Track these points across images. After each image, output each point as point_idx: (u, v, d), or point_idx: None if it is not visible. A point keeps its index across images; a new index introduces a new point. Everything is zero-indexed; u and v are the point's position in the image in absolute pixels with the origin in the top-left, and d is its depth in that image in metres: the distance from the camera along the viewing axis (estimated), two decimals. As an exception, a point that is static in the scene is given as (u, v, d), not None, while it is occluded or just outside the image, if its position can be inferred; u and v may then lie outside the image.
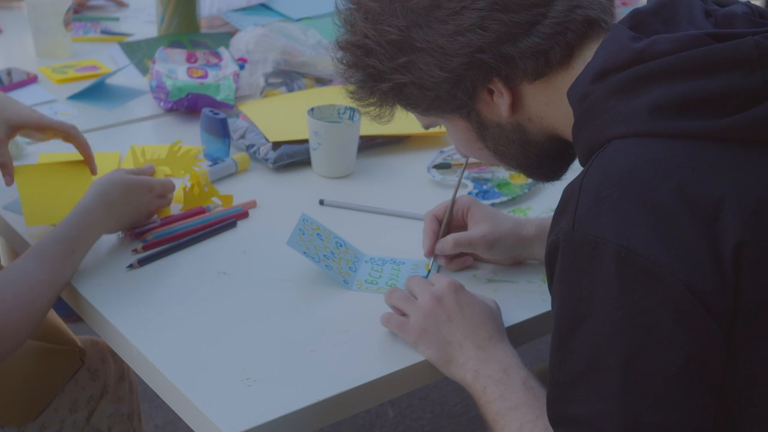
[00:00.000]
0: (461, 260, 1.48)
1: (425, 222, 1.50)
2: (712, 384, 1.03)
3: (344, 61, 1.25)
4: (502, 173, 1.76)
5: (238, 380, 1.24)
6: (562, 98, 1.17)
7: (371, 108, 1.29)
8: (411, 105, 1.25)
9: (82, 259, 1.42)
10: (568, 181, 1.12)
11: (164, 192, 1.56)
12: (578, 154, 1.19)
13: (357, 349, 1.31)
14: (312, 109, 1.74)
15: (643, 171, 1.04)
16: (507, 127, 1.24)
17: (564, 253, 1.06)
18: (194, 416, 1.22)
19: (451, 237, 1.46)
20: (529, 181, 1.74)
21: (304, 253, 1.43)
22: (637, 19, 1.14)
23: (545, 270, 1.13)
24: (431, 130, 1.86)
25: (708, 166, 1.04)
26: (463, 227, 1.49)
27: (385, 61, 1.21)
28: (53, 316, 1.66)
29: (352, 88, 1.27)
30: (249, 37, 2.04)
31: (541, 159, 1.27)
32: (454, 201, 1.49)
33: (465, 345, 1.27)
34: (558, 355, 1.08)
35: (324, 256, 1.46)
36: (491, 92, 1.20)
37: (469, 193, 1.70)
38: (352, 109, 1.75)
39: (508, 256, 1.48)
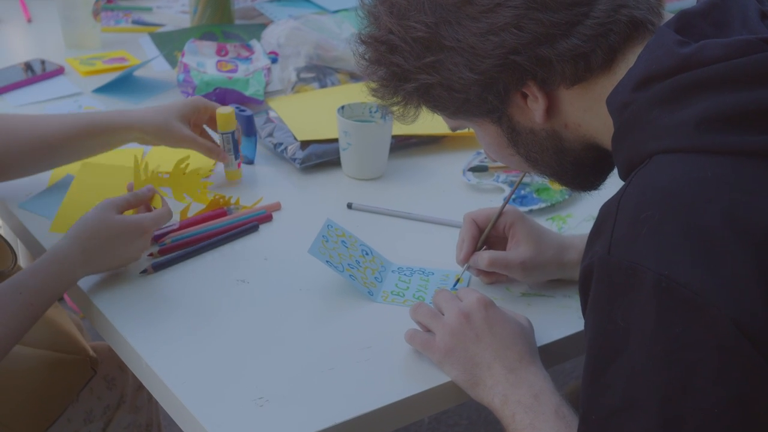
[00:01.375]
0: (495, 274, 1.39)
1: (464, 225, 1.40)
2: (758, 428, 0.93)
3: (366, 57, 1.17)
4: (540, 177, 1.66)
5: (250, 399, 1.16)
6: (602, 105, 1.08)
7: (395, 108, 1.20)
8: (438, 107, 1.16)
9: (46, 309, 1.29)
10: (608, 193, 1.03)
11: (158, 227, 1.41)
12: (618, 168, 1.09)
13: (379, 367, 1.23)
14: (342, 107, 1.66)
15: (688, 191, 0.94)
16: (541, 134, 1.14)
17: (599, 279, 0.97)
18: (202, 437, 1.14)
19: (488, 255, 1.36)
20: (570, 186, 1.64)
21: (327, 262, 1.35)
22: (684, 21, 1.04)
23: (579, 296, 1.04)
24: (468, 131, 1.78)
25: (760, 187, 0.94)
26: (503, 240, 1.39)
27: (411, 60, 1.12)
28: (65, 322, 1.59)
29: (374, 85, 1.19)
30: (281, 30, 1.96)
31: (578, 168, 1.18)
32: (501, 213, 1.39)
33: (494, 367, 1.18)
34: (590, 390, 0.99)
35: (348, 265, 1.37)
36: (525, 96, 1.11)
37: (504, 197, 1.60)
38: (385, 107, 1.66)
39: (546, 279, 1.39)
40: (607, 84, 1.07)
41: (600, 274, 0.97)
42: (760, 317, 0.90)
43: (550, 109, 1.11)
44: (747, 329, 0.90)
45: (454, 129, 1.25)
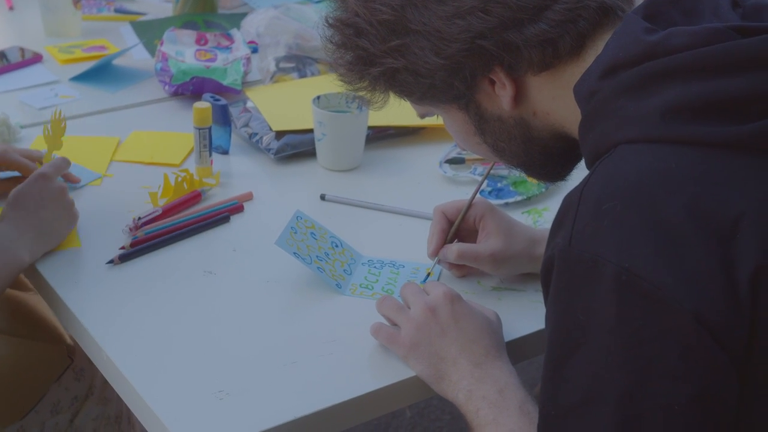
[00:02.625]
0: (466, 267, 1.37)
1: (434, 218, 1.38)
2: (721, 424, 0.91)
3: (333, 41, 1.14)
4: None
5: (210, 393, 1.14)
6: (570, 93, 1.06)
7: (362, 93, 1.17)
8: (404, 92, 1.14)
9: None
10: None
11: (60, 172, 1.43)
12: (584, 158, 1.07)
13: (343, 361, 1.21)
14: (318, 98, 1.64)
15: (651, 182, 0.92)
16: (509, 122, 1.12)
17: (559, 271, 0.95)
18: (159, 430, 1.12)
19: (457, 247, 1.33)
20: (548, 179, 1.62)
21: (295, 254, 1.33)
22: (653, 9, 1.02)
23: (542, 288, 1.02)
24: (442, 122, 1.76)
25: (725, 178, 0.92)
26: (473, 233, 1.37)
27: (377, 44, 1.09)
28: (42, 308, 1.57)
29: (341, 70, 1.16)
30: (260, 19, 1.94)
31: (546, 158, 1.16)
32: (470, 204, 1.37)
33: (459, 361, 1.16)
34: (549, 385, 0.96)
35: (317, 257, 1.35)
36: (492, 82, 1.09)
37: (482, 192, 1.58)
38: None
39: (516, 273, 1.37)
40: (576, 71, 1.05)
41: (561, 266, 0.94)
42: (722, 312, 0.88)
43: (518, 96, 1.09)
44: (708, 324, 0.88)
45: (422, 116, 1.22)
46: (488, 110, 1.12)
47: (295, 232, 1.36)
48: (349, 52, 1.13)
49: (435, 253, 1.35)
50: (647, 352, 0.89)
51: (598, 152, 1.00)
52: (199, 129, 1.57)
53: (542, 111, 1.10)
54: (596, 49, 1.04)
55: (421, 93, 1.12)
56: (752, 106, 0.94)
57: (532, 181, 1.61)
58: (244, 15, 2.24)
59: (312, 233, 1.38)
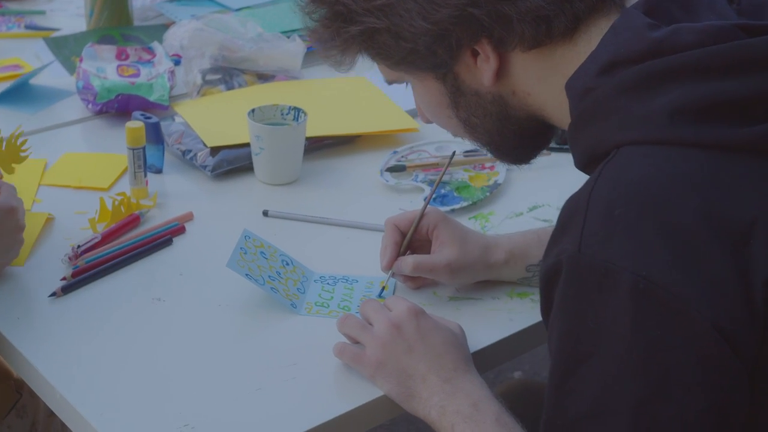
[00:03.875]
0: (421, 279, 1.35)
1: (386, 231, 1.35)
2: None
3: None
4: (461, 175, 1.63)
5: (175, 427, 1.10)
6: (557, 77, 1.03)
7: (332, 52, 1.12)
8: (380, 55, 1.09)
9: None
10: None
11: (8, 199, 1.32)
12: (575, 156, 1.05)
13: (308, 384, 1.18)
14: (252, 111, 1.60)
15: (663, 187, 0.90)
16: (486, 97, 1.09)
17: (568, 279, 0.92)
18: (125, 471, 1.08)
19: (412, 259, 1.31)
20: (490, 182, 1.61)
21: (247, 275, 1.29)
22: (653, 3, 1.00)
23: (539, 294, 0.99)
24: (382, 129, 1.74)
25: (736, 182, 0.91)
26: (427, 244, 1.35)
27: (359, 0, 1.05)
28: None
29: (313, 26, 1.11)
30: (183, 31, 1.88)
31: (518, 138, 1.13)
32: (422, 215, 1.34)
33: (428, 378, 1.13)
34: (555, 394, 0.94)
35: (269, 277, 1.31)
36: (475, 54, 1.05)
37: (425, 198, 1.56)
38: (296, 109, 1.61)
39: (472, 282, 1.35)
40: (566, 55, 1.02)
41: (570, 272, 0.92)
42: (738, 320, 0.87)
43: (500, 72, 1.06)
44: (726, 332, 0.86)
45: (390, 82, 1.18)
46: (466, 83, 1.09)
47: (245, 253, 1.32)
48: (326, 7, 1.08)
49: (389, 267, 1.33)
50: (664, 362, 0.88)
51: (595, 152, 0.98)
52: (133, 149, 1.52)
53: (523, 91, 1.07)
54: (589, 34, 1.02)
55: (399, 58, 1.08)
56: (761, 107, 0.92)
57: (476, 186, 1.60)
58: (161, 27, 2.19)
59: (262, 252, 1.35)
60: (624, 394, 0.89)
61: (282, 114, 1.62)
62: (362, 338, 1.18)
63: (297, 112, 1.61)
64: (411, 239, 1.34)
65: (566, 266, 0.92)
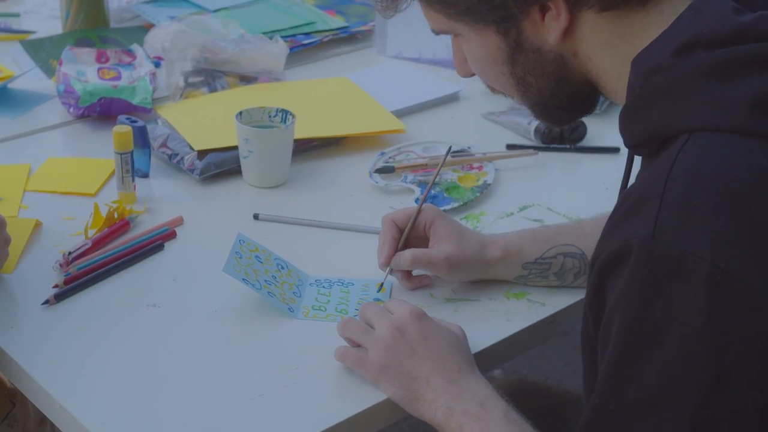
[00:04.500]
0: (418, 279, 1.35)
1: (383, 227, 1.35)
2: None
3: None
4: (450, 176, 1.63)
5: (178, 436, 1.09)
6: (622, 45, 1.01)
7: None
8: (444, 3, 1.07)
9: None
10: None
11: None
12: (629, 134, 1.02)
13: (310, 389, 1.17)
14: (240, 113, 1.58)
15: (744, 179, 0.88)
16: (547, 56, 1.06)
17: (638, 264, 0.89)
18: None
19: (410, 252, 1.31)
20: (479, 183, 1.60)
21: (244, 280, 1.28)
22: None
23: (589, 280, 0.97)
24: (369, 130, 1.73)
25: None
26: (424, 241, 1.35)
27: None
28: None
29: None
30: (165, 33, 1.87)
31: (570, 101, 1.11)
32: (420, 210, 1.34)
33: (433, 380, 1.13)
34: (611, 380, 0.92)
35: (265, 281, 1.30)
36: (545, 10, 1.03)
37: (416, 200, 1.56)
38: (284, 111, 1.60)
39: (469, 279, 1.35)
40: (636, 23, 1.00)
41: (641, 258, 0.89)
42: None
43: (567, 32, 1.04)
44: None
45: (437, 32, 1.14)
46: (529, 39, 1.06)
47: (240, 257, 1.31)
48: None
49: (387, 262, 1.32)
50: (731, 356, 0.87)
51: (659, 134, 0.96)
52: (121, 154, 1.50)
53: (585, 54, 1.05)
54: (661, 7, 1.00)
55: (465, 7, 1.05)
56: None
57: (466, 186, 1.59)
58: (139, 28, 2.17)
59: (257, 256, 1.33)
60: (686, 385, 0.88)
61: (269, 116, 1.60)
62: (364, 341, 1.17)
63: (284, 114, 1.60)
64: (408, 235, 1.33)
65: (637, 251, 0.89)
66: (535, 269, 1.34)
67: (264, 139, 1.56)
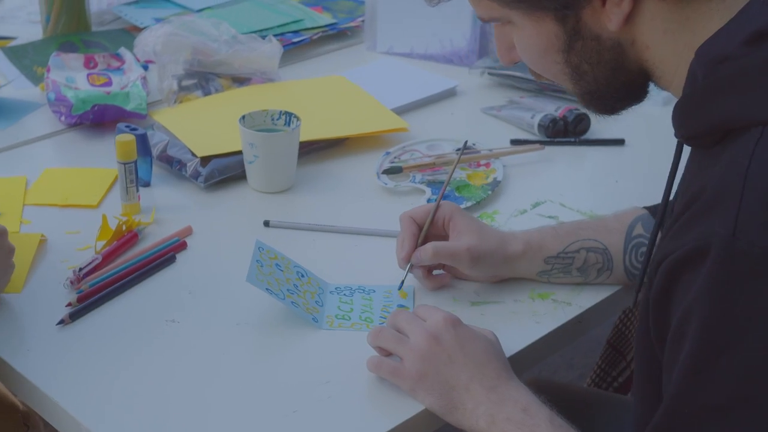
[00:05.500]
0: (438, 278, 1.32)
1: (402, 225, 1.32)
2: None
3: None
4: (458, 174, 1.60)
5: (216, 458, 1.05)
6: (684, 32, 0.99)
7: None
8: None
9: None
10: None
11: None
12: (683, 123, 1.00)
13: (346, 403, 1.14)
14: (243, 117, 1.54)
15: None
16: (606, 43, 1.04)
17: (718, 262, 0.87)
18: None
19: (431, 245, 1.28)
20: (489, 180, 1.58)
21: (267, 290, 1.25)
22: None
23: (654, 280, 0.94)
24: (372, 130, 1.70)
25: None
26: (443, 238, 1.32)
27: None
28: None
29: None
30: (156, 36, 1.82)
31: (623, 90, 1.08)
32: (438, 206, 1.31)
33: (472, 387, 1.10)
34: (687, 381, 0.90)
35: (288, 290, 1.27)
36: None
37: (428, 200, 1.53)
38: (287, 113, 1.56)
39: (490, 274, 1.32)
40: (699, 9, 0.98)
41: (721, 257, 0.87)
42: None
43: (628, 18, 1.01)
44: None
45: (485, 19, 1.11)
46: (588, 26, 1.03)
47: (261, 266, 1.27)
48: None
49: (407, 259, 1.30)
50: None
51: (724, 125, 0.93)
52: (124, 164, 1.46)
53: (643, 43, 1.03)
54: None
55: None
56: None
57: (476, 184, 1.57)
58: (122, 31, 2.12)
59: (277, 264, 1.30)
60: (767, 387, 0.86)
61: (272, 119, 1.57)
62: (399, 351, 1.14)
63: (288, 117, 1.56)
64: (428, 231, 1.32)
65: (716, 250, 0.87)
66: (558, 264, 1.31)
67: (270, 144, 1.52)
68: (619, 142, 1.72)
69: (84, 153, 1.68)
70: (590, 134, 1.74)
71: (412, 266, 1.31)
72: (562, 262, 1.32)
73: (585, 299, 1.32)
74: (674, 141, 1.07)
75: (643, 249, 1.28)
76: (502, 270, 1.32)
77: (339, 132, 1.68)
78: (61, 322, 1.24)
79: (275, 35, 2.00)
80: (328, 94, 1.82)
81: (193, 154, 1.58)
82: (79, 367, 1.18)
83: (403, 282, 1.31)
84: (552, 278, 1.33)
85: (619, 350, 1.98)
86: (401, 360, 1.14)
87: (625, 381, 1.97)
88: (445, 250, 1.29)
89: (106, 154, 1.62)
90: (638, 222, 1.31)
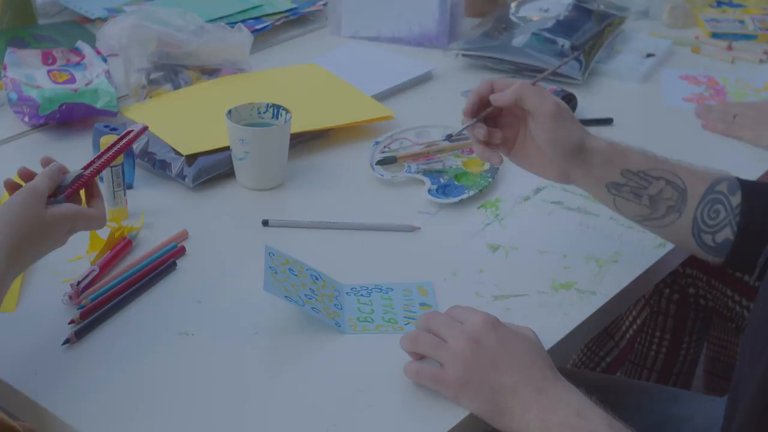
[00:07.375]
0: (493, 153, 1.29)
1: (478, 85, 1.29)
2: None
3: None
4: (452, 161, 1.55)
5: (262, 481, 0.99)
6: None
7: None
8: None
9: None
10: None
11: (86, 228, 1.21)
12: None
13: (387, 412, 1.08)
14: (229, 112, 1.47)
15: None
16: None
17: None
18: None
19: (519, 84, 1.25)
20: (487, 166, 1.53)
21: (286, 297, 1.18)
22: None
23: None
24: (358, 119, 1.64)
25: None
26: (515, 119, 1.30)
27: None
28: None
29: None
30: (120, 28, 1.72)
31: None
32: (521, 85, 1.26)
33: (519, 391, 1.05)
34: None
35: (306, 296, 1.20)
36: None
37: (429, 191, 1.47)
38: (275, 106, 1.49)
39: (562, 155, 1.26)
40: None
41: None
42: None
43: None
44: None
45: None
46: None
47: (275, 272, 1.21)
48: None
49: (470, 112, 1.29)
50: None
51: None
52: (111, 167, 1.37)
53: None
54: None
55: None
56: None
57: (473, 172, 1.52)
58: (72, 23, 2.01)
59: (290, 269, 1.23)
60: None
61: (259, 113, 1.49)
62: (439, 356, 1.09)
63: (276, 109, 1.49)
64: (498, 111, 1.29)
65: None
66: (633, 182, 1.25)
67: (262, 139, 1.45)
68: (608, 121, 1.69)
69: (52, 155, 1.56)
70: (577, 114, 1.71)
71: (470, 126, 1.28)
72: (639, 182, 1.25)
73: (608, 287, 1.29)
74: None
75: (719, 206, 1.24)
76: (574, 160, 1.26)
77: (325, 123, 1.62)
78: (67, 341, 1.16)
79: (235, 22, 1.92)
80: (304, 84, 1.75)
81: (177, 153, 1.50)
82: (92, 388, 1.10)
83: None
84: (620, 197, 1.27)
85: (606, 330, 1.95)
86: (441, 366, 1.09)
87: (613, 361, 1.95)
88: (531, 92, 1.25)
89: (78, 156, 1.50)
90: (725, 181, 1.26)
